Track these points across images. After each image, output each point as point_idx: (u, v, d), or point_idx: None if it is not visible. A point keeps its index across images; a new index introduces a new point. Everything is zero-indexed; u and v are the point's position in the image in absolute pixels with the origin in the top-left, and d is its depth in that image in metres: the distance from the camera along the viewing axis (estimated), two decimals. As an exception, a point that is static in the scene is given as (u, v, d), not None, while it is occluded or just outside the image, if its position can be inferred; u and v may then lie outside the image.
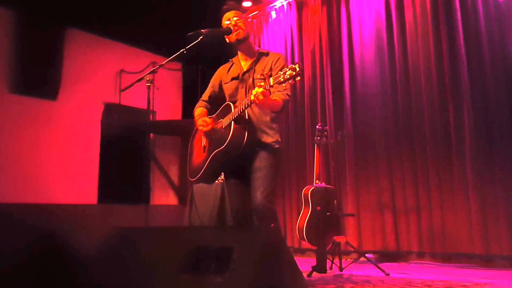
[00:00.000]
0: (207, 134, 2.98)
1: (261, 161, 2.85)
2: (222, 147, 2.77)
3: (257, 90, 2.56)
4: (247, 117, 2.83)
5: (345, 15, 5.68)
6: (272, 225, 2.78)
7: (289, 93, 2.90)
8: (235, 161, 2.87)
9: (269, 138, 2.93)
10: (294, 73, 2.47)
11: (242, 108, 2.74)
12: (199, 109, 3.18)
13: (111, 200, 5.73)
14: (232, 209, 3.10)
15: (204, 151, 2.99)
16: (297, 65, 2.48)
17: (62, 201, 5.22)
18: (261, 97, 2.55)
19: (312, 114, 5.80)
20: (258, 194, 2.77)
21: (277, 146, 2.93)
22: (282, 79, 2.50)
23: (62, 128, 5.71)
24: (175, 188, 6.66)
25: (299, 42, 6.12)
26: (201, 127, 2.97)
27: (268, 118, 2.96)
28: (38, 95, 5.49)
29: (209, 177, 3.05)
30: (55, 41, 5.63)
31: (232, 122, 2.77)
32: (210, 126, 2.93)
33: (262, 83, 2.58)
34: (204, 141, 3.02)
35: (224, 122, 2.86)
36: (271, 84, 2.55)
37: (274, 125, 2.99)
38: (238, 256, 1.65)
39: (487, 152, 4.38)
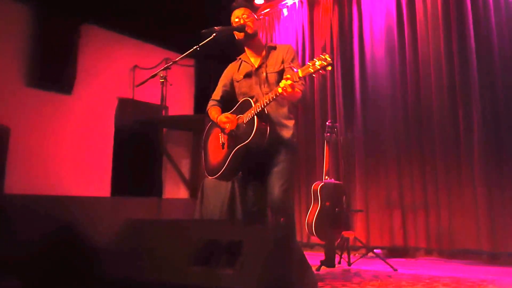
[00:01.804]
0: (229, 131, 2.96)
1: (279, 156, 2.87)
2: (246, 142, 2.77)
3: (285, 83, 2.58)
4: (266, 112, 2.85)
5: (356, 13, 5.70)
6: (282, 219, 2.81)
7: (304, 82, 2.90)
8: (256, 156, 2.88)
9: (288, 131, 2.95)
10: (325, 63, 2.48)
11: (266, 102, 2.74)
12: (214, 108, 3.17)
13: (124, 192, 5.82)
14: (242, 204, 3.14)
15: (223, 148, 2.98)
16: (327, 55, 2.49)
17: (76, 193, 5.31)
18: (289, 89, 2.58)
19: (322, 111, 5.83)
20: (276, 189, 2.79)
21: (295, 140, 2.96)
22: (312, 70, 2.52)
23: (77, 122, 5.80)
24: (186, 182, 6.73)
25: (310, 39, 6.15)
26: (226, 125, 2.92)
27: (285, 110, 2.98)
28: (53, 89, 5.57)
29: (231, 174, 3.05)
30: (71, 36, 5.71)
31: (255, 116, 2.78)
32: (235, 125, 2.91)
33: (289, 75, 2.60)
34: (222, 138, 3.00)
35: (245, 117, 2.86)
36: (301, 75, 2.57)
37: (292, 115, 3.01)
38: (248, 249, 1.68)
39: (495, 150, 4.40)
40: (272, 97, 2.72)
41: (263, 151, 2.84)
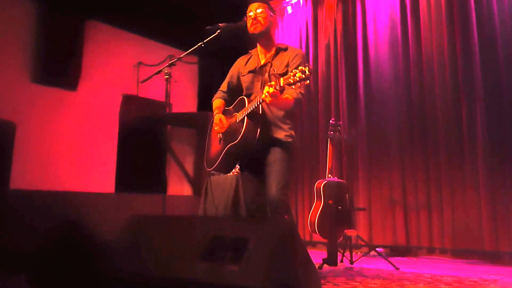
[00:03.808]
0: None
1: (275, 155, 2.88)
2: (235, 142, 2.81)
3: (267, 90, 2.58)
4: (261, 112, 2.85)
5: (360, 11, 5.71)
6: (286, 216, 2.83)
7: (303, 92, 2.89)
8: (249, 154, 2.91)
9: (282, 132, 2.94)
10: (303, 76, 2.48)
11: (255, 105, 2.77)
12: (217, 101, 3.22)
13: (127, 189, 5.83)
14: (246, 202, 3.16)
15: (219, 143, 3.04)
16: (307, 68, 2.48)
17: (80, 189, 5.32)
18: (269, 98, 2.58)
19: (326, 109, 5.84)
20: (273, 188, 2.81)
21: (290, 140, 2.95)
22: (292, 81, 2.51)
23: (82, 118, 5.80)
24: (189, 179, 6.73)
25: (314, 37, 6.15)
26: (216, 127, 3.04)
27: (282, 113, 2.97)
28: (58, 85, 5.58)
29: (224, 168, 3.11)
30: (76, 32, 5.72)
31: (245, 117, 2.80)
32: (224, 129, 2.99)
33: (273, 83, 2.59)
34: (220, 133, 3.08)
35: (239, 116, 2.90)
36: (282, 84, 2.56)
37: (288, 120, 2.99)
38: (253, 246, 1.69)
39: (498, 149, 4.41)
40: (258, 101, 2.73)
41: (256, 149, 2.86)
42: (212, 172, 3.23)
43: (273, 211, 2.82)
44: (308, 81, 2.52)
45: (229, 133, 2.95)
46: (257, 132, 2.81)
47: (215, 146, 3.11)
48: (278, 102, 2.69)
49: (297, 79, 2.50)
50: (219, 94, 3.29)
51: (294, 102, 2.84)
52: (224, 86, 3.30)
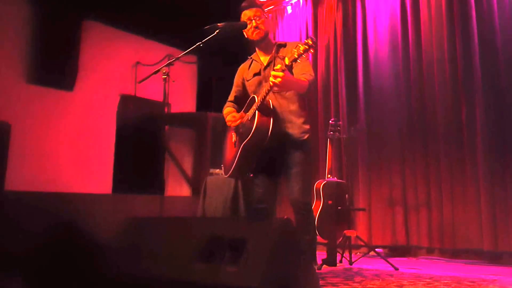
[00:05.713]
0: (236, 128, 3.01)
1: (294, 158, 2.89)
2: (248, 138, 2.77)
3: (273, 73, 2.57)
4: (271, 107, 2.84)
5: (360, 11, 5.70)
6: (286, 217, 2.81)
7: (312, 73, 2.90)
8: (266, 153, 2.88)
9: (297, 128, 2.93)
10: (307, 46, 2.49)
11: (263, 95, 2.74)
12: (227, 109, 3.21)
13: (125, 190, 5.80)
14: (246, 202, 3.15)
15: (235, 146, 3.01)
16: (310, 39, 2.50)
17: (77, 190, 5.29)
18: (278, 79, 2.55)
19: (325, 109, 5.83)
20: (296, 189, 2.85)
21: (305, 137, 2.94)
22: (296, 55, 2.52)
23: (78, 119, 5.78)
24: (188, 180, 6.72)
25: (314, 37, 6.13)
26: (229, 123, 3.02)
27: (294, 107, 2.96)
28: (55, 85, 5.54)
29: (242, 171, 3.06)
30: (73, 32, 5.68)
31: (256, 111, 2.77)
32: (238, 121, 2.96)
33: (279, 66, 2.60)
34: (234, 137, 3.05)
35: (249, 114, 2.88)
36: (287, 63, 2.56)
37: (303, 113, 2.99)
38: (252, 246, 1.68)
39: (498, 150, 4.39)
40: (267, 90, 2.71)
41: (273, 148, 2.83)
42: (211, 172, 3.21)
43: (296, 211, 2.90)
44: (312, 50, 2.52)
45: (243, 134, 2.92)
46: (270, 125, 2.76)
47: (231, 151, 3.08)
48: (289, 82, 2.67)
49: (301, 51, 2.50)
50: (228, 104, 3.28)
51: (308, 83, 2.83)
52: (231, 96, 3.29)
